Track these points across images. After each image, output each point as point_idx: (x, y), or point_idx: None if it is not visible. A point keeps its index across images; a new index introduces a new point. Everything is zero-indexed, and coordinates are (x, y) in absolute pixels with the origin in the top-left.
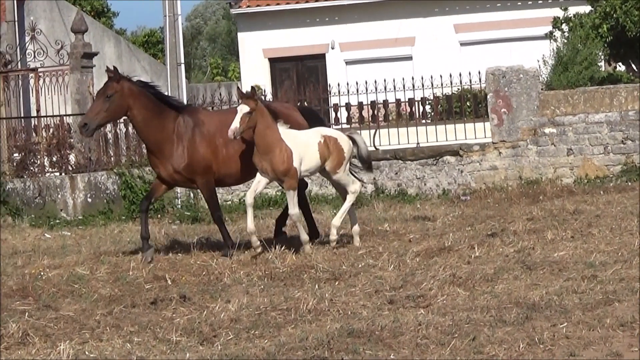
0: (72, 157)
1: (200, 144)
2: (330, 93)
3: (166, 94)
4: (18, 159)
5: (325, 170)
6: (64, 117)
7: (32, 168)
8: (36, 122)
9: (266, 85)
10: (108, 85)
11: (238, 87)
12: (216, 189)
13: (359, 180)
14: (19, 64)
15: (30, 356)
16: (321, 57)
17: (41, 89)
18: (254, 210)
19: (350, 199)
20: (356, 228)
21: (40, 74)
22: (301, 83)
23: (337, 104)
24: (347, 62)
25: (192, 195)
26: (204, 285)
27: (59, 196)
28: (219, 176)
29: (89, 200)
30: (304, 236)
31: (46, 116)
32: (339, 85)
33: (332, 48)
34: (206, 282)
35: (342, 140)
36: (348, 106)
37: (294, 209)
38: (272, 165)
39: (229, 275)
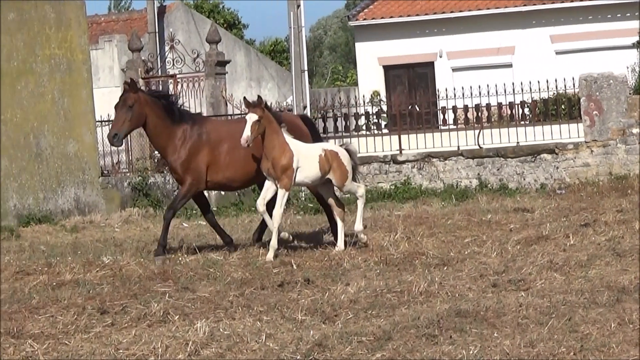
0: None
1: (200, 149)
2: (438, 97)
3: (177, 105)
4: (158, 156)
5: (328, 184)
6: None
7: None
8: None
9: (381, 90)
10: (127, 96)
11: (244, 97)
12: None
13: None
14: (160, 70)
15: (170, 333)
16: (430, 65)
17: (179, 93)
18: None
19: (361, 202)
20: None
21: (178, 80)
22: (412, 88)
23: (445, 107)
24: (454, 69)
25: None
26: (326, 270)
27: None
28: (221, 180)
29: (222, 193)
30: (274, 241)
31: None
32: (446, 90)
33: (440, 56)
34: (328, 267)
35: (342, 155)
36: (455, 109)
37: (279, 209)
38: (273, 161)
39: (348, 261)
